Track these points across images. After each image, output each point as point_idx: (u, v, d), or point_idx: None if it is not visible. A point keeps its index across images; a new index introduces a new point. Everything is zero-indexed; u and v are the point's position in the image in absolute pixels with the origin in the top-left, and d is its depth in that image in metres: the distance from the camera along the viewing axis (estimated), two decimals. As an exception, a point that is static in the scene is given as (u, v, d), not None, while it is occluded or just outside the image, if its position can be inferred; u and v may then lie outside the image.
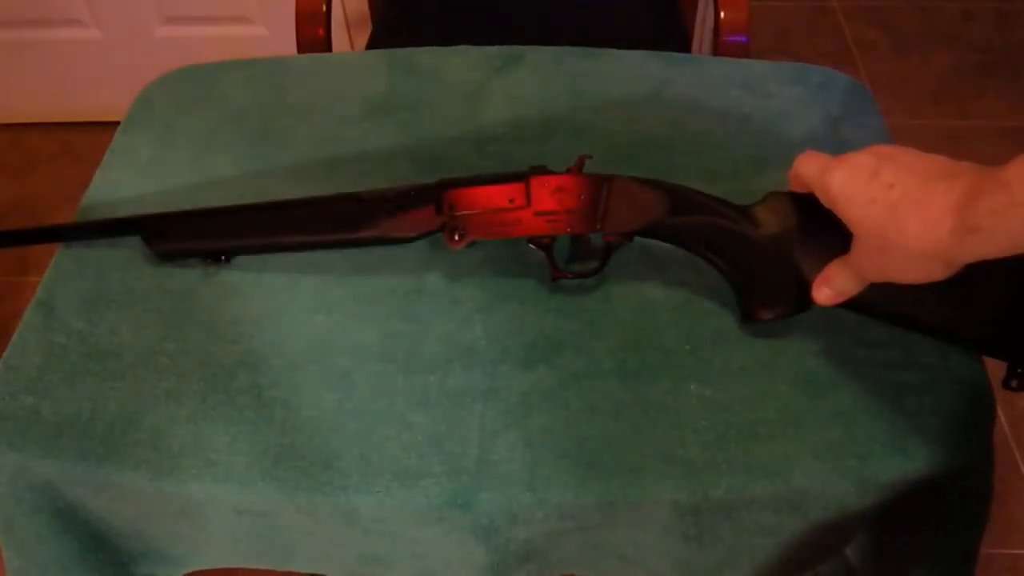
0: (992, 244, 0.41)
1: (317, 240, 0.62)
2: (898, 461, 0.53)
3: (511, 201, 0.59)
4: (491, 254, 0.64)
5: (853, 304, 0.54)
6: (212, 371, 0.58)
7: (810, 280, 0.54)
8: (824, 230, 0.53)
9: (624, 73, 0.79)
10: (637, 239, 0.60)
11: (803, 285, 0.55)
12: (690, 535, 0.55)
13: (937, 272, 0.45)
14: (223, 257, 0.63)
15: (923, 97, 1.75)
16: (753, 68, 0.80)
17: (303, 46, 1.04)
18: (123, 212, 0.66)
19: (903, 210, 0.45)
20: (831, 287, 0.53)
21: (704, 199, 0.59)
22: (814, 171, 0.52)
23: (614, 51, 0.82)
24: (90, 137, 1.69)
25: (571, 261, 0.64)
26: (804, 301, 0.55)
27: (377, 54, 0.84)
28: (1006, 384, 0.52)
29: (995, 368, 0.56)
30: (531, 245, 0.60)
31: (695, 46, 1.24)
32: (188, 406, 0.56)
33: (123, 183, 0.70)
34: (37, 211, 1.59)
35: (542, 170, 0.59)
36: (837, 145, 0.71)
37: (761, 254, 0.57)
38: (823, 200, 0.52)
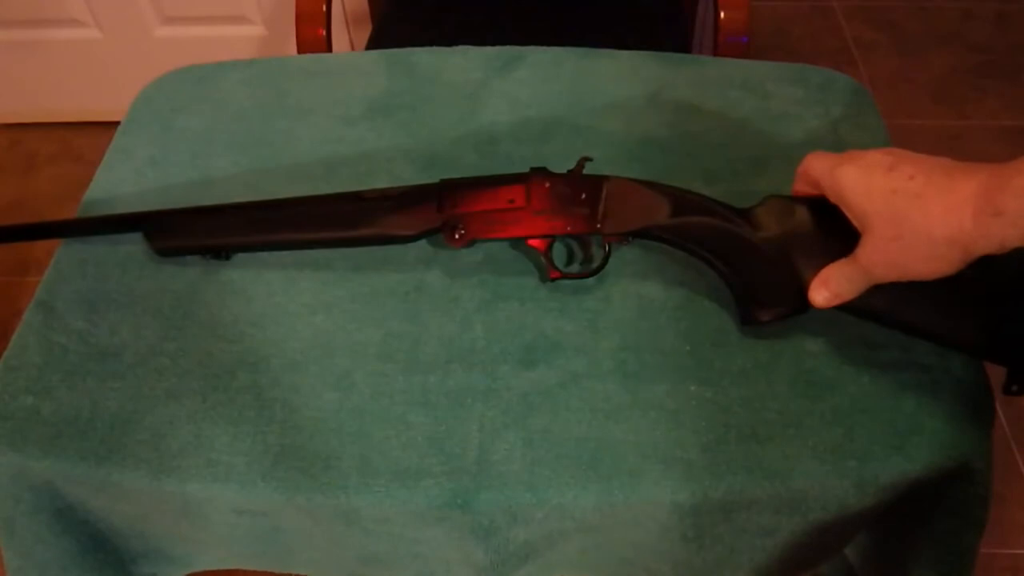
0: (1014, 227, 0.42)
1: (318, 237, 0.62)
2: (898, 462, 0.53)
3: (511, 201, 0.60)
4: (491, 254, 0.64)
5: (853, 309, 0.54)
6: (212, 371, 0.58)
7: (808, 282, 0.54)
8: (824, 233, 0.54)
9: (624, 73, 0.79)
10: (637, 240, 0.60)
11: (802, 287, 0.55)
12: (690, 536, 0.55)
13: (953, 262, 0.46)
14: (223, 254, 0.63)
15: (923, 97, 1.75)
16: (753, 68, 0.80)
17: (303, 46, 1.04)
18: (123, 211, 0.65)
19: (927, 196, 0.45)
20: (829, 289, 0.53)
21: (703, 201, 0.59)
22: (825, 167, 0.52)
23: (614, 51, 0.82)
24: (90, 137, 1.69)
25: (570, 262, 0.64)
26: (803, 303, 0.55)
27: (377, 54, 0.84)
28: (1007, 390, 0.52)
29: (995, 369, 0.56)
30: (530, 245, 0.61)
31: (695, 46, 1.24)
32: (188, 406, 0.56)
33: (123, 183, 0.71)
34: (37, 211, 1.58)
35: (543, 172, 0.60)
36: (837, 145, 0.71)
37: (759, 256, 0.57)
38: (832, 196, 0.51)
